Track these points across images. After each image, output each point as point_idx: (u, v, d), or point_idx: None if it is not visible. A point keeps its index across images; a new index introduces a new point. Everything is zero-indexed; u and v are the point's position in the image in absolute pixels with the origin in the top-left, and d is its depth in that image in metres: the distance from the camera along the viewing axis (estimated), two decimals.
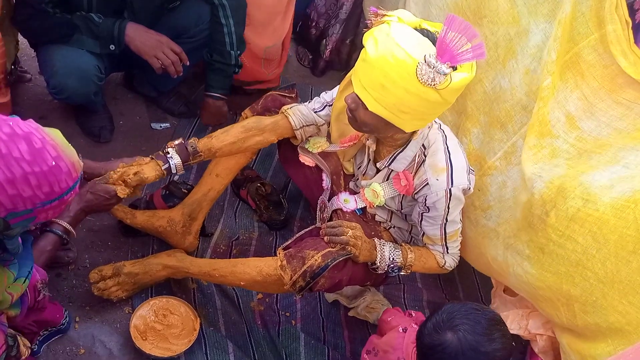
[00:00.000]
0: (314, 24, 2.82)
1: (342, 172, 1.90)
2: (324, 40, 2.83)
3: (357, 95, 1.41)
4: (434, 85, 1.30)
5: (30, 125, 0.96)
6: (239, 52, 2.15)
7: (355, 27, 2.81)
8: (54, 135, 0.99)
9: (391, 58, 1.30)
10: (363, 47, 1.39)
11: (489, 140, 1.73)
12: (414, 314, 1.75)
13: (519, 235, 1.57)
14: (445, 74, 1.30)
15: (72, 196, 1.02)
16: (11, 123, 0.93)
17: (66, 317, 1.56)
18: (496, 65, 1.70)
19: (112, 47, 1.93)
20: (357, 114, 1.46)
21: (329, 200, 1.87)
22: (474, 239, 1.79)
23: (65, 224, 1.44)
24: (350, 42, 2.86)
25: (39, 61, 2.00)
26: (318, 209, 1.91)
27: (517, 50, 1.64)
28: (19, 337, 1.24)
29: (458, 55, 1.30)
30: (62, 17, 1.89)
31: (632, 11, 1.40)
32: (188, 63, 2.04)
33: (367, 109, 1.40)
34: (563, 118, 1.48)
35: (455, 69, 1.34)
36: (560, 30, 1.47)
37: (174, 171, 1.64)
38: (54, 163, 0.95)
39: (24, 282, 1.20)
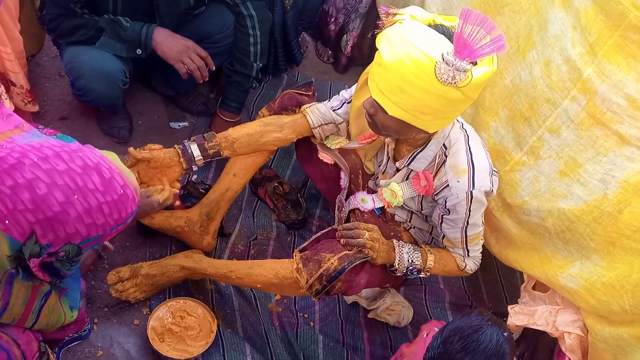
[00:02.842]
0: (332, 19, 2.77)
1: (360, 171, 1.86)
2: (345, 35, 2.78)
3: (375, 100, 1.36)
4: (454, 83, 1.24)
5: (95, 154, 1.02)
6: (260, 64, 2.15)
7: (376, 20, 2.75)
8: (116, 162, 1.05)
9: (407, 59, 1.25)
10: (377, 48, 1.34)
11: (513, 135, 1.67)
12: None
13: (576, 229, 1.55)
14: (465, 71, 1.24)
15: (131, 218, 1.08)
16: (80, 155, 0.99)
17: (88, 323, 1.57)
18: (516, 56, 1.64)
19: (138, 51, 1.93)
20: (377, 119, 1.42)
21: (346, 199, 1.84)
22: (522, 237, 1.75)
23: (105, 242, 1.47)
24: (371, 36, 2.80)
25: (63, 62, 2.01)
26: (336, 207, 1.88)
27: (536, 41, 1.57)
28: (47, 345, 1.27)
29: (477, 50, 1.24)
30: (90, 18, 1.89)
31: None
32: (214, 68, 2.03)
33: (386, 113, 1.35)
34: (624, 102, 1.41)
35: (476, 63, 1.28)
36: (584, 20, 1.41)
37: (190, 152, 1.59)
38: (122, 191, 1.01)
39: (75, 312, 1.26)
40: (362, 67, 2.87)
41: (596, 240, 1.52)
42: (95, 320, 1.71)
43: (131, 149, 1.56)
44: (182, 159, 1.60)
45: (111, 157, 1.05)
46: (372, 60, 2.82)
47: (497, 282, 2.23)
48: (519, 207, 1.69)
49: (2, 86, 1.73)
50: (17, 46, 1.80)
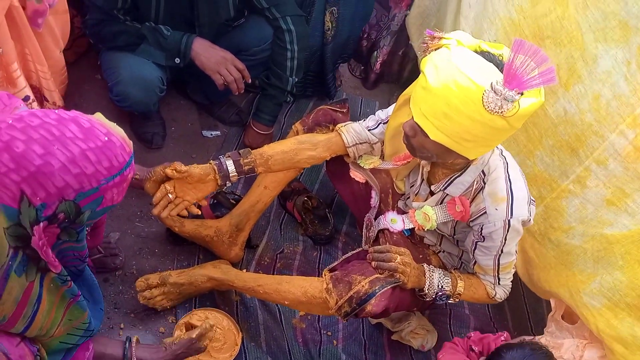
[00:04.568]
0: (365, 35, 2.77)
1: (390, 191, 1.85)
2: (375, 52, 2.78)
3: (416, 123, 1.35)
4: (501, 112, 1.23)
5: (74, 111, 1.01)
6: (296, 79, 2.15)
7: (407, 39, 2.75)
8: (98, 116, 1.03)
9: (454, 86, 1.24)
10: (421, 72, 1.33)
11: (558, 164, 1.70)
12: (472, 335, 1.68)
13: (611, 249, 1.59)
14: (513, 101, 1.22)
15: (131, 173, 1.04)
16: (56, 110, 0.98)
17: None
18: (557, 88, 1.65)
19: (177, 60, 1.95)
20: (415, 141, 1.40)
21: (375, 218, 1.82)
22: (555, 258, 1.78)
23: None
24: (402, 54, 2.80)
25: (102, 67, 2.04)
26: (364, 226, 1.87)
27: (582, 75, 1.58)
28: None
29: (527, 81, 1.22)
30: (132, 25, 1.92)
31: None
32: (250, 80, 2.04)
33: (427, 136, 1.34)
34: None
35: (522, 94, 1.26)
36: None
37: (225, 168, 1.59)
38: (106, 138, 0.98)
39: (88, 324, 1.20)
40: (391, 84, 2.91)
41: (626, 259, 1.56)
42: (122, 326, 1.71)
43: (169, 171, 1.55)
44: (217, 175, 1.60)
45: (95, 115, 1.02)
46: (401, 77, 2.88)
47: (523, 309, 2.20)
48: (564, 232, 1.72)
49: (36, 101, 1.76)
50: (56, 65, 1.83)
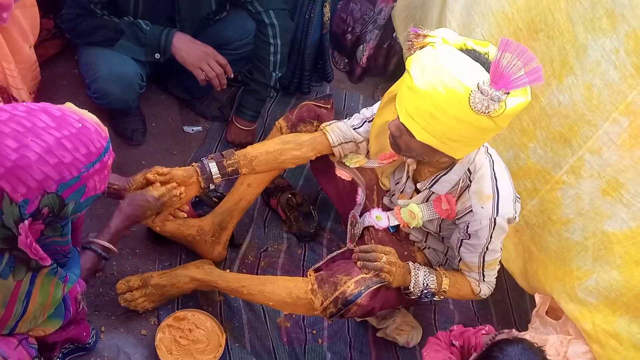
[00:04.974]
0: (349, 29, 2.74)
1: (375, 187, 1.84)
2: (361, 46, 2.75)
3: (402, 124, 1.33)
4: (488, 113, 1.22)
5: (42, 102, 0.98)
6: (279, 74, 2.12)
7: (393, 32, 2.72)
8: (68, 104, 1.01)
9: (441, 87, 1.22)
10: (407, 71, 1.30)
11: (551, 155, 1.71)
12: (454, 328, 1.68)
13: (611, 248, 1.60)
14: (500, 101, 1.21)
15: (111, 159, 1.02)
16: (24, 103, 0.95)
17: (93, 336, 1.53)
18: (551, 80, 1.66)
19: (157, 55, 1.90)
20: (401, 141, 1.39)
21: (360, 215, 1.81)
22: (556, 253, 1.78)
23: (104, 242, 1.41)
24: (387, 48, 2.78)
25: (79, 63, 1.97)
26: (349, 223, 1.85)
27: (574, 66, 1.59)
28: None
29: (513, 81, 1.21)
30: (110, 20, 1.86)
31: None
32: (232, 75, 2.00)
33: (413, 136, 1.32)
34: None
35: (509, 93, 1.25)
36: (632, 44, 1.41)
37: (208, 170, 1.57)
38: (80, 125, 0.96)
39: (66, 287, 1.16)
40: (377, 77, 2.89)
41: (624, 258, 1.57)
42: (102, 329, 1.67)
43: (150, 176, 1.52)
44: (200, 178, 1.56)
45: (65, 104, 1.00)
46: (387, 71, 2.86)
47: (507, 304, 2.21)
48: (563, 225, 1.73)
49: (3, 101, 1.69)
50: (26, 61, 1.76)
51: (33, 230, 0.97)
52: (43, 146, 0.90)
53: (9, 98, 1.75)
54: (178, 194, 1.57)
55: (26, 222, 0.93)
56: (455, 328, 1.70)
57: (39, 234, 1.00)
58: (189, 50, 1.90)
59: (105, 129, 1.03)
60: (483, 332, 1.65)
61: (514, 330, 1.74)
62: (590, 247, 1.67)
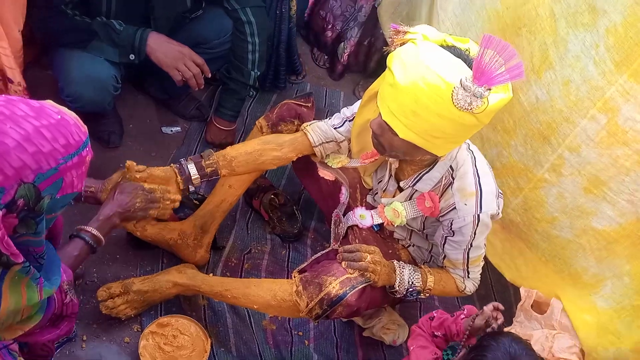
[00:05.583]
0: (330, 26, 2.73)
1: (358, 186, 1.83)
2: (342, 43, 2.74)
3: (384, 122, 1.32)
4: (470, 109, 1.21)
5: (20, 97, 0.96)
6: (258, 72, 2.09)
7: (373, 29, 2.71)
8: (48, 101, 0.99)
9: (423, 84, 1.21)
10: (388, 68, 1.29)
11: (532, 153, 1.70)
12: (435, 314, 1.68)
13: (612, 249, 1.58)
14: (482, 97, 1.21)
15: (90, 156, 1.01)
16: (3, 95, 0.93)
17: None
18: (531, 75, 1.64)
19: (132, 56, 1.85)
20: (384, 139, 1.37)
21: (344, 214, 1.80)
22: (550, 251, 1.77)
23: (92, 230, 1.39)
24: (368, 45, 2.77)
25: (52, 65, 1.92)
26: (333, 222, 1.84)
27: (554, 61, 1.57)
28: None
29: (495, 77, 1.21)
30: (82, 20, 1.80)
31: None
32: (210, 75, 1.95)
33: (395, 134, 1.31)
34: None
35: (491, 89, 1.25)
36: (612, 39, 1.40)
37: (187, 171, 1.57)
38: (59, 116, 0.94)
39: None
40: (357, 74, 2.87)
41: (633, 263, 1.55)
42: (84, 338, 1.63)
43: (130, 163, 1.49)
44: (179, 179, 1.53)
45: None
46: (367, 68, 2.84)
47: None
48: (549, 223, 1.71)
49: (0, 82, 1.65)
50: (15, 45, 1.70)
51: (6, 224, 0.93)
52: (22, 134, 0.88)
53: (5, 78, 1.70)
54: (172, 199, 1.55)
55: (0, 213, 0.90)
56: (435, 315, 1.69)
57: (11, 230, 0.96)
58: (164, 50, 1.85)
59: (85, 126, 1.01)
60: (462, 316, 1.64)
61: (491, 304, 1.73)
62: (586, 246, 1.65)
